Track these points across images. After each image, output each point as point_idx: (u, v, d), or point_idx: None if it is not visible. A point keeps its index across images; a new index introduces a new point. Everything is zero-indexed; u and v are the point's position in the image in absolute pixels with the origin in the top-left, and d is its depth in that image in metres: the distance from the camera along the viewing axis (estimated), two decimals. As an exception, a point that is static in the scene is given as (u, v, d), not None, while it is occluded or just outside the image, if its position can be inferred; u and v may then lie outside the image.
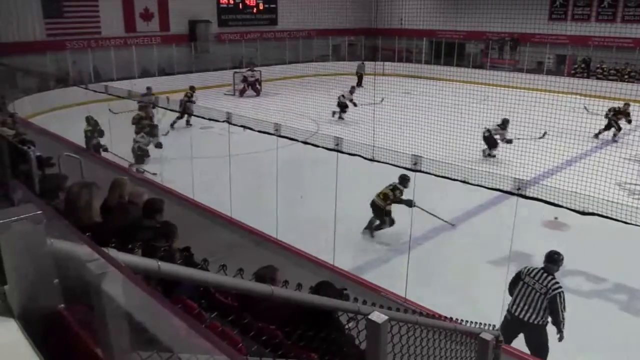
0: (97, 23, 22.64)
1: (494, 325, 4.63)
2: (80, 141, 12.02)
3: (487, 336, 3.68)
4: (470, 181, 6.47)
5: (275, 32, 28.77)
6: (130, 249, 2.80)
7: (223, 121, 12.53)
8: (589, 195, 7.67)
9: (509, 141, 13.00)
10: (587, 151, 12.43)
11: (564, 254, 7.66)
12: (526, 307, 5.14)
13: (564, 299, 5.07)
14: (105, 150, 12.13)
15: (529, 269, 5.34)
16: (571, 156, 12.01)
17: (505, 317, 5.27)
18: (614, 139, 14.63)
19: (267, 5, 28.51)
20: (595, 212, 7.43)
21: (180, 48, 24.47)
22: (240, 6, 27.60)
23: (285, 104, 15.85)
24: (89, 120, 12.32)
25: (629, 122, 14.63)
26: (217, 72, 23.29)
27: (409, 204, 7.97)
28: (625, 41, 23.75)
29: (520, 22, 24.11)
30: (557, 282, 5.12)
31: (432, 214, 8.44)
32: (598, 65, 24.60)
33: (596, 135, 14.60)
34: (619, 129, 14.65)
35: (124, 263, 1.37)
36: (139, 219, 3.89)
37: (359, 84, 24.12)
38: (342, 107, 17.53)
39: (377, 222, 8.55)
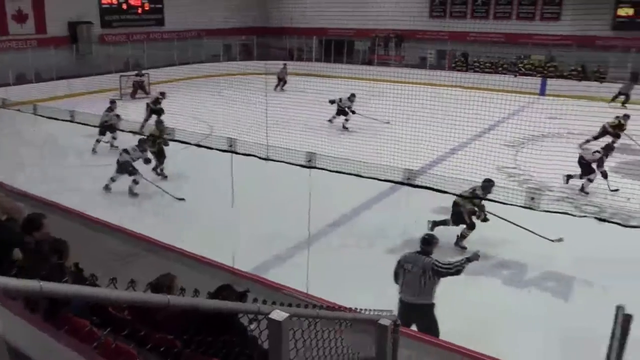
0: (-37, 26, 20.67)
1: (392, 311, 4.84)
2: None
3: (385, 322, 3.84)
4: (363, 174, 6.72)
5: (163, 32, 27.86)
6: (7, 270, 2.61)
7: (111, 128, 11.98)
8: (472, 180, 8.30)
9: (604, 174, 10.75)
10: (469, 139, 13.24)
11: (453, 236, 8.24)
12: (410, 291, 5.40)
13: (442, 264, 5.34)
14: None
15: (405, 255, 5.61)
16: (454, 145, 12.77)
17: (398, 304, 5.50)
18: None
19: (152, 5, 27.50)
20: (478, 195, 8.06)
21: (61, 51, 22.91)
22: (124, 6, 26.38)
23: (176, 107, 15.41)
24: None
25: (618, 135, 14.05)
26: (102, 76, 22.15)
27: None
28: (497, 36, 25.66)
29: (404, 19, 25.28)
30: (429, 258, 5.40)
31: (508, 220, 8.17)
32: (475, 59, 26.40)
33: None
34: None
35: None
36: (18, 236, 3.63)
37: (282, 87, 23.94)
38: (341, 113, 16.33)
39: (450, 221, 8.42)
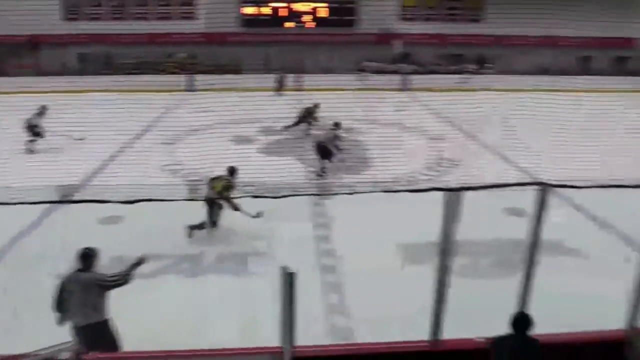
0: None
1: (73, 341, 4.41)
2: None
3: (65, 355, 3.60)
4: (9, 202, 5.87)
5: None
6: None
7: None
8: (137, 184, 8.18)
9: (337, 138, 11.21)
10: (127, 143, 12.90)
11: (123, 242, 7.91)
12: (79, 313, 4.89)
13: (106, 277, 5.01)
14: None
15: (66, 277, 5.04)
16: (112, 152, 12.36)
17: (72, 331, 5.00)
18: (306, 134, 14.85)
19: None
20: (144, 198, 8.03)
21: None
22: None
23: None
24: None
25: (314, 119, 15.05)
26: None
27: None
28: (139, 37, 25.66)
29: (35, 24, 22.98)
30: (91, 274, 5.01)
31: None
32: (120, 61, 26.02)
33: (286, 128, 15.07)
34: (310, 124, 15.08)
35: None
36: None
37: None
38: (35, 134, 13.08)
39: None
